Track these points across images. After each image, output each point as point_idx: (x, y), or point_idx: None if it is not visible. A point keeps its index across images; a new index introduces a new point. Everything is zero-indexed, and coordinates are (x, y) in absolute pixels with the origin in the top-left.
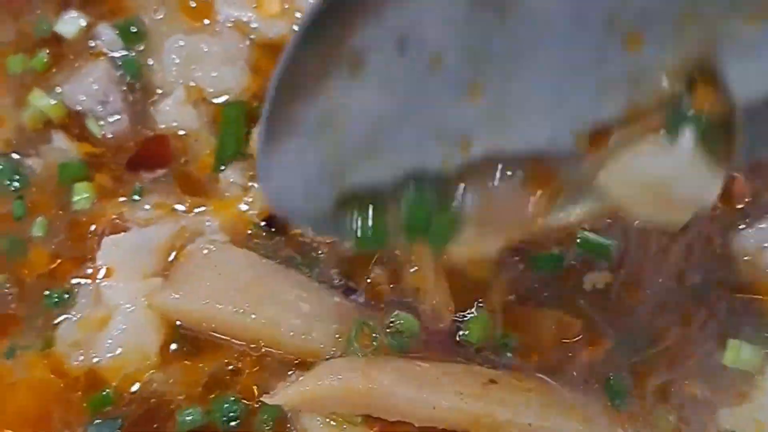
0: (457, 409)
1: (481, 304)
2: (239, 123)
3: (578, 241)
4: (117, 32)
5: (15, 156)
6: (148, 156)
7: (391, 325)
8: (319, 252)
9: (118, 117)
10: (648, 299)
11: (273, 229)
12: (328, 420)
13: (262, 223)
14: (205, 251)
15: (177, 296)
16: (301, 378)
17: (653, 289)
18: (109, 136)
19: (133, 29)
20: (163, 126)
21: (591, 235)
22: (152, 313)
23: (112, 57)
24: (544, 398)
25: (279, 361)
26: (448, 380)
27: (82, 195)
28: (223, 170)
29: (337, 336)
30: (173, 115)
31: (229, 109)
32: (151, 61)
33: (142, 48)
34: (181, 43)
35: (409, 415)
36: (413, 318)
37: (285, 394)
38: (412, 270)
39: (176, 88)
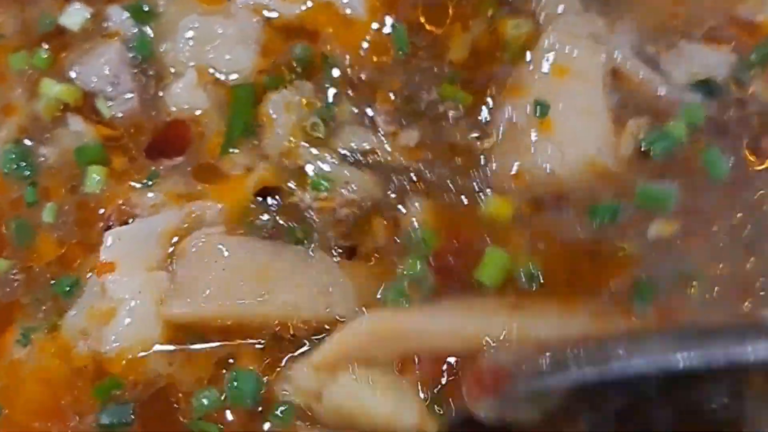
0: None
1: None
2: (248, 104)
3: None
4: (129, 13)
5: (28, 142)
6: (167, 142)
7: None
8: (315, 219)
9: (128, 96)
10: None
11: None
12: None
13: (258, 198)
14: (203, 246)
15: (187, 305)
16: (335, 335)
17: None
18: (119, 116)
19: (146, 8)
20: (174, 109)
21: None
22: (156, 308)
23: (126, 38)
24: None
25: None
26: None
27: (93, 178)
28: (232, 152)
29: (355, 300)
30: (185, 97)
31: (238, 89)
32: (163, 47)
33: (152, 32)
34: (196, 24)
35: (441, 346)
36: (421, 263)
37: (325, 349)
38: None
39: (188, 70)
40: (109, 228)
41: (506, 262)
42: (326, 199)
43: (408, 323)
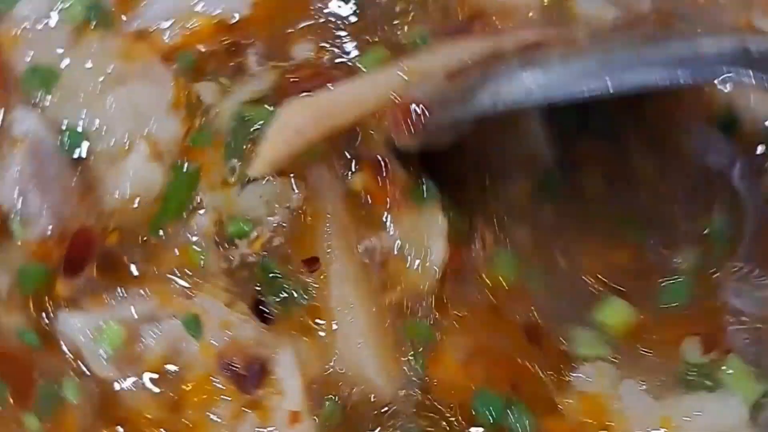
0: None
1: None
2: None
3: None
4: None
5: None
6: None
7: None
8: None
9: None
10: None
11: None
12: None
13: None
14: None
15: None
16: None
17: None
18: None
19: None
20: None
21: None
22: None
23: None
24: None
25: None
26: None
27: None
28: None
29: None
30: (141, 173)
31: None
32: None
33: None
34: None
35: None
36: None
37: (264, 149)
38: None
39: (136, 144)
40: None
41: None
42: (256, 237)
43: (329, 99)
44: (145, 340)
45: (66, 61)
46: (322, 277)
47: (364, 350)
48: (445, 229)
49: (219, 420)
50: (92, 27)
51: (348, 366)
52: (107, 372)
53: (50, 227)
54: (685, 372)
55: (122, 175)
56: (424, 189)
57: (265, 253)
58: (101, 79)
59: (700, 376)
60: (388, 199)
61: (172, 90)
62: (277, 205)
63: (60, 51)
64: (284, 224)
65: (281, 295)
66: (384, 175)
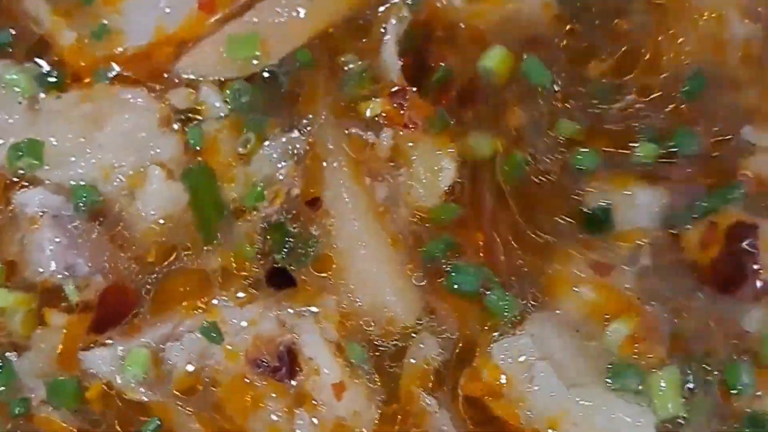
0: None
1: None
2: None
3: None
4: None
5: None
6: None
7: None
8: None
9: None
10: None
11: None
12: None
13: None
14: None
15: None
16: None
17: None
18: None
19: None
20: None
21: None
22: None
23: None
24: None
25: None
26: None
27: None
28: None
29: None
30: (161, 198)
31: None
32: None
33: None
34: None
35: None
36: None
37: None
38: None
39: (149, 168)
40: None
41: None
42: (275, 194)
43: None
44: (170, 358)
45: (40, 127)
46: (331, 221)
47: (379, 279)
48: (455, 153)
49: (276, 418)
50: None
51: (365, 300)
52: (141, 396)
53: (98, 281)
54: (615, 368)
55: (147, 204)
56: (440, 115)
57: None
58: (83, 127)
59: (629, 376)
60: (406, 123)
61: (156, 109)
62: (284, 161)
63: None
64: (295, 175)
65: (296, 251)
66: (403, 100)
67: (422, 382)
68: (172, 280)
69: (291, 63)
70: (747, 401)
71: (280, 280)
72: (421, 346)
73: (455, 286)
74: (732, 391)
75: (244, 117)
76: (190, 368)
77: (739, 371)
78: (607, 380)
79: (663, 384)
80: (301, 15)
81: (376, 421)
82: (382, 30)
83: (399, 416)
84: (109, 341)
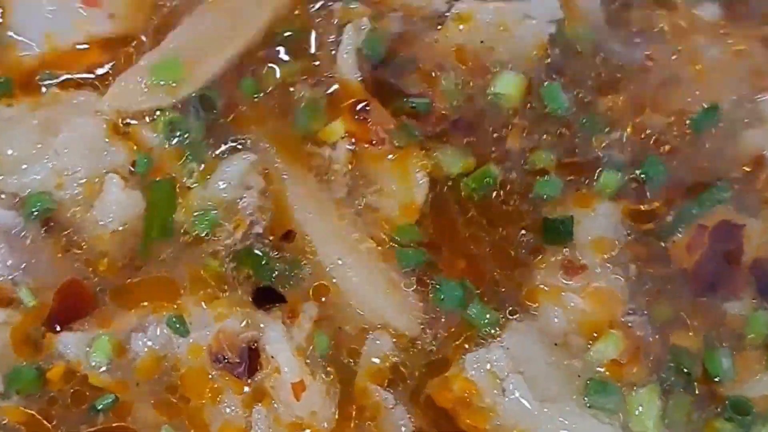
0: None
1: None
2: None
3: None
4: None
5: None
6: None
7: None
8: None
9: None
10: None
11: None
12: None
13: None
14: None
15: None
16: None
17: None
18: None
19: None
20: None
21: None
22: None
23: None
24: None
25: None
26: None
27: None
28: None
29: None
30: (119, 206)
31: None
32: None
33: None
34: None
35: None
36: None
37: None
38: None
39: (107, 177)
40: None
41: None
42: (237, 223)
43: None
44: (134, 348)
45: None
46: (307, 247)
47: (374, 296)
48: (427, 166)
49: (233, 413)
50: None
51: (369, 321)
52: (106, 382)
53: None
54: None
55: (104, 212)
56: (406, 128)
57: (250, 238)
58: (38, 134)
59: (608, 395)
60: (371, 139)
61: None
62: (245, 189)
63: None
64: (260, 204)
65: (275, 276)
66: (366, 116)
67: (378, 378)
68: (135, 283)
69: (224, 85)
70: (729, 386)
71: (268, 298)
72: (377, 342)
73: (442, 299)
74: (715, 379)
75: (183, 147)
76: (154, 357)
77: (719, 358)
78: (585, 398)
79: (641, 407)
80: (222, 33)
81: (336, 419)
82: (330, 39)
83: (354, 412)
84: (78, 329)
